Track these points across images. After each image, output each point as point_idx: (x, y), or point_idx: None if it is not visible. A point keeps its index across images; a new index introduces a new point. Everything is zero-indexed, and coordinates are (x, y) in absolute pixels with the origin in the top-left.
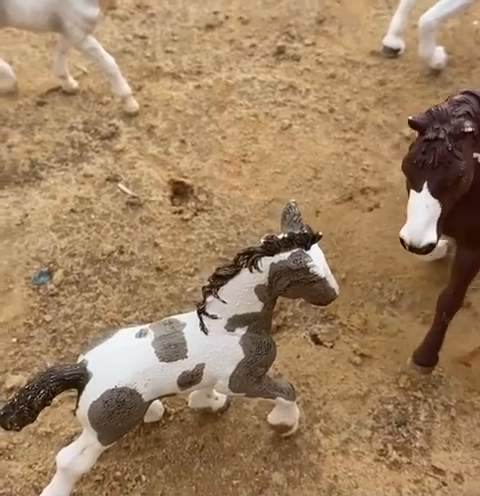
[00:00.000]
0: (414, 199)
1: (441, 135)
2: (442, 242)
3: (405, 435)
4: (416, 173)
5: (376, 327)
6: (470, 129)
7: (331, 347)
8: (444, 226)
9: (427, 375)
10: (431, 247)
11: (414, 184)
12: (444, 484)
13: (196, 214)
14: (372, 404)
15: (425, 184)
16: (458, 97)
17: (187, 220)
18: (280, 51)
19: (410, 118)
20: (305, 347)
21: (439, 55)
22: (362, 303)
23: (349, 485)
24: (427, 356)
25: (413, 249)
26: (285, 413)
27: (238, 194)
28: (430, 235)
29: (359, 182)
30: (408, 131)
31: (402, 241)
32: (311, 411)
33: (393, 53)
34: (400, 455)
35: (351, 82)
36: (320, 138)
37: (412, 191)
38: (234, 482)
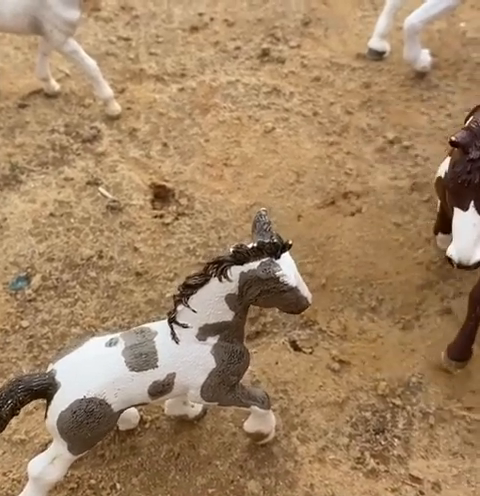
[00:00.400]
0: (460, 218)
1: None
2: None
3: (383, 443)
4: (462, 192)
5: (356, 333)
6: None
7: (310, 353)
8: None
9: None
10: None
11: (460, 203)
12: (421, 493)
13: (177, 218)
14: (350, 411)
15: (472, 203)
16: None
17: (168, 224)
18: (265, 53)
19: (452, 139)
20: (284, 353)
21: (424, 58)
22: (342, 309)
23: (325, 493)
24: (461, 351)
25: (462, 267)
26: (261, 421)
27: (220, 198)
28: (479, 253)
29: (341, 186)
30: (392, 135)
31: (449, 260)
32: (288, 418)
33: (378, 55)
34: (377, 463)
35: (336, 85)
36: (303, 141)
37: (457, 210)
38: (210, 490)
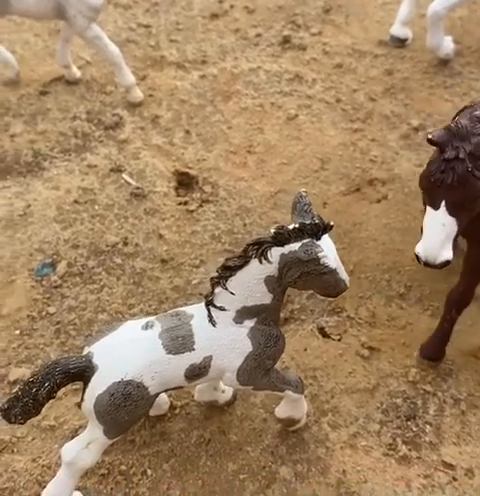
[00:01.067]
0: (430, 216)
1: (461, 154)
2: None
3: (414, 429)
4: (434, 191)
5: (384, 320)
6: None
7: (339, 340)
8: None
9: (435, 369)
10: (447, 264)
11: (431, 202)
12: (454, 479)
13: (201, 205)
14: (381, 398)
15: (443, 203)
16: (479, 112)
17: (192, 211)
18: (286, 40)
19: (429, 136)
20: (312, 340)
21: (447, 45)
22: (370, 296)
23: (358, 480)
24: (435, 350)
25: (428, 265)
26: (293, 406)
27: (244, 185)
28: (446, 253)
29: (366, 173)
30: (416, 122)
31: (417, 257)
32: (319, 405)
33: (400, 43)
34: (409, 449)
35: (358, 72)
36: (327, 128)
37: (429, 208)
38: (241, 476)
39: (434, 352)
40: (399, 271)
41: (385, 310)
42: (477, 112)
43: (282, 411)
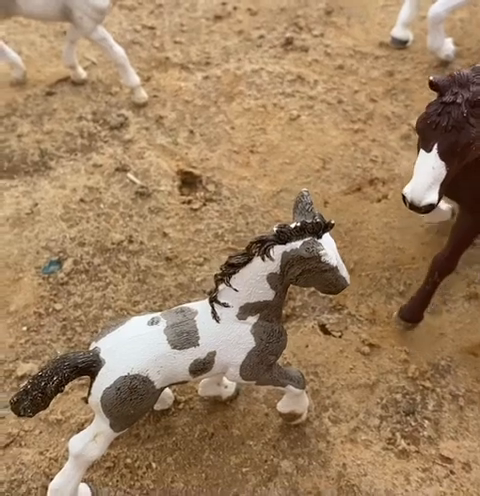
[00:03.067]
0: (422, 158)
1: (458, 99)
2: (447, 206)
3: (413, 424)
4: (428, 133)
5: (384, 317)
6: None
7: (339, 337)
8: (450, 189)
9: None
10: (431, 207)
11: (424, 144)
12: (452, 473)
13: (205, 204)
14: (380, 393)
15: (435, 145)
16: None
17: (196, 210)
18: (288, 42)
19: (431, 78)
20: (314, 337)
21: (448, 46)
22: (370, 293)
23: (358, 473)
24: (413, 312)
25: (413, 207)
26: (295, 401)
27: (247, 184)
28: (432, 196)
29: (367, 173)
30: None
31: (404, 198)
32: (320, 400)
33: (401, 44)
34: (408, 444)
35: (359, 73)
36: (328, 129)
37: (421, 150)
38: (243, 470)
39: (412, 314)
40: (399, 269)
41: (385, 307)
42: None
43: (284, 406)
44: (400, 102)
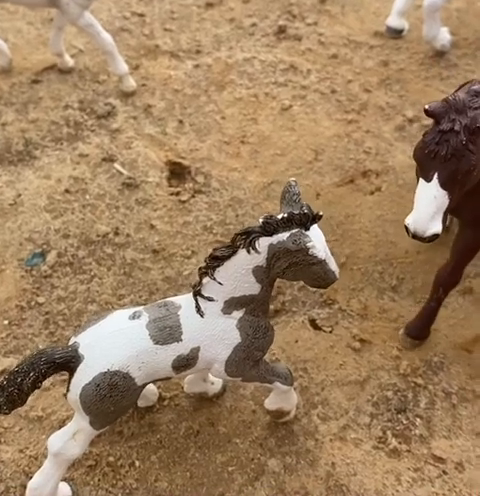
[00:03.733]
0: (423, 188)
1: (456, 127)
2: None
3: (405, 422)
4: (427, 163)
5: (376, 312)
6: None
7: (330, 332)
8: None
9: (425, 361)
10: (435, 237)
11: (424, 173)
12: (444, 473)
13: (193, 196)
14: (371, 390)
15: (435, 175)
16: (477, 87)
17: (184, 202)
18: (281, 30)
19: (426, 107)
20: (303, 332)
21: (444, 36)
22: (362, 288)
23: (347, 473)
24: (420, 330)
25: (417, 238)
26: (282, 398)
27: (237, 176)
28: (436, 226)
29: (360, 165)
30: (411, 113)
31: (407, 229)
32: (309, 397)
33: (396, 34)
34: (399, 443)
35: (353, 63)
36: (321, 119)
37: (421, 180)
38: (229, 468)
39: (419, 331)
40: (392, 263)
41: (377, 302)
42: (475, 86)
43: (271, 403)
44: (394, 92)
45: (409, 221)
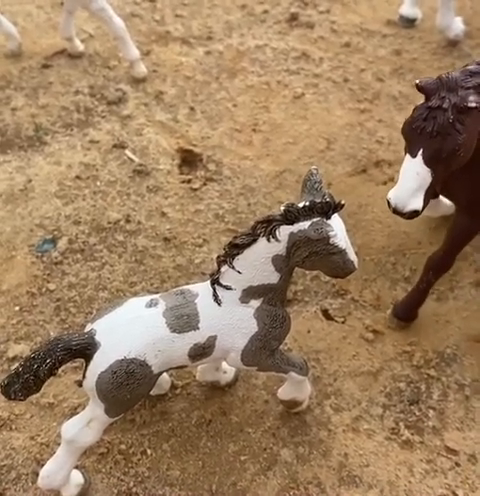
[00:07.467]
0: (407, 164)
1: (444, 104)
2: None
3: (417, 414)
4: (413, 138)
5: (389, 303)
6: (473, 104)
7: (342, 322)
8: (446, 190)
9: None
10: (415, 214)
11: (410, 149)
12: (457, 464)
13: (205, 184)
14: (384, 381)
15: (420, 151)
16: (473, 67)
17: (196, 190)
18: (293, 18)
19: (417, 82)
20: (316, 322)
21: (457, 26)
22: (375, 278)
23: (360, 463)
24: (407, 311)
25: (397, 213)
26: (296, 388)
27: (249, 164)
28: (416, 202)
29: (373, 154)
30: None
31: (388, 203)
32: (321, 387)
33: (409, 23)
34: (412, 434)
35: (366, 51)
36: (334, 108)
37: (407, 155)
38: (242, 458)
39: (406, 313)
40: (404, 254)
41: (390, 293)
42: (471, 66)
43: (285, 393)
44: (407, 82)
45: (391, 195)
